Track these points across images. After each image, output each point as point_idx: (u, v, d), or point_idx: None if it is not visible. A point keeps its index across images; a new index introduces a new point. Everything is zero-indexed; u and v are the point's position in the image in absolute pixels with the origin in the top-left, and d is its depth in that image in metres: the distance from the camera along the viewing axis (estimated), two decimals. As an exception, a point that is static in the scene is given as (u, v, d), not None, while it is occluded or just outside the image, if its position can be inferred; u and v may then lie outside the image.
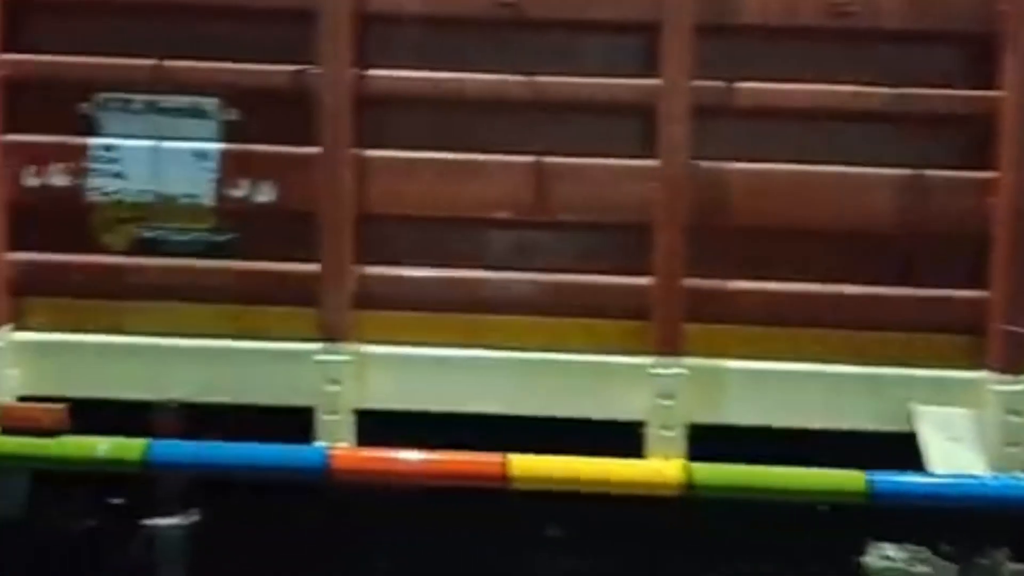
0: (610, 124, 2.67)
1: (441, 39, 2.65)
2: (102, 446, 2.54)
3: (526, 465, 2.50)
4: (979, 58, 2.59)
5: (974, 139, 2.60)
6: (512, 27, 2.63)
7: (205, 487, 2.77)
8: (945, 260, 2.63)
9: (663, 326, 2.60)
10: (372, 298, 2.68)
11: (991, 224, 2.57)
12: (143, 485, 2.76)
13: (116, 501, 2.92)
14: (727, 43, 2.60)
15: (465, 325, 2.69)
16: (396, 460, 2.55)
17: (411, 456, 2.54)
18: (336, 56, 2.59)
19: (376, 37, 2.63)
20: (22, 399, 2.69)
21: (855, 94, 2.60)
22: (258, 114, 2.66)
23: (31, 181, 2.67)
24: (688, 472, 2.49)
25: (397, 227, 2.69)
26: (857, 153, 2.63)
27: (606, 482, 2.49)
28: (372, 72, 2.63)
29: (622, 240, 2.68)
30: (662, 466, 2.52)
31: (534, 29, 2.64)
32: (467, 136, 2.66)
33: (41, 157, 2.66)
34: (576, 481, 2.49)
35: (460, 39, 2.65)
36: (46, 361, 2.70)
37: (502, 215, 2.68)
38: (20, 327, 2.71)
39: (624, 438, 2.59)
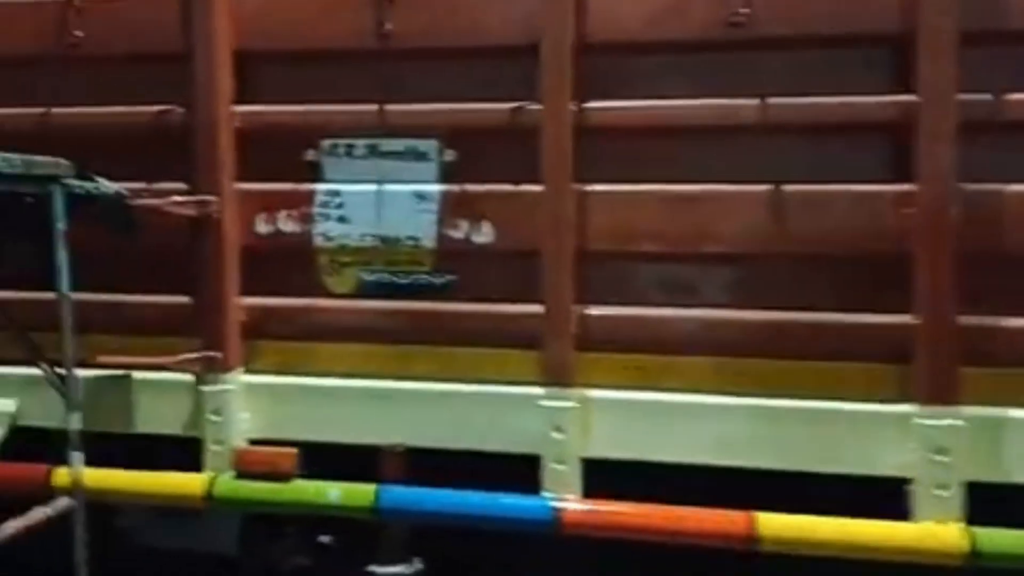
0: (853, 146, 2.45)
1: (665, 64, 2.52)
2: (334, 491, 2.54)
3: (777, 525, 2.29)
4: None
5: None
6: (742, 47, 2.46)
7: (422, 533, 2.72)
8: None
9: (932, 370, 2.33)
10: (594, 340, 2.55)
11: None
12: (353, 526, 2.74)
13: (326, 540, 2.91)
14: (994, 51, 2.32)
15: (694, 368, 2.51)
16: (630, 515, 2.40)
17: (647, 511, 2.38)
18: (558, 90, 2.50)
19: (597, 67, 2.53)
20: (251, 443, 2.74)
21: None
22: (474, 153, 2.62)
23: (262, 228, 2.73)
24: (971, 538, 2.20)
25: (621, 264, 2.56)
26: None
27: (873, 548, 2.24)
28: (593, 104, 2.53)
29: (872, 273, 2.43)
30: (939, 531, 2.24)
31: (765, 48, 2.46)
32: (695, 166, 2.51)
33: (271, 204, 2.72)
34: (836, 545, 2.25)
35: (685, 63, 2.51)
36: (274, 404, 2.74)
37: (735, 249, 2.49)
38: (250, 370, 2.77)
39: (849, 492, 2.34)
